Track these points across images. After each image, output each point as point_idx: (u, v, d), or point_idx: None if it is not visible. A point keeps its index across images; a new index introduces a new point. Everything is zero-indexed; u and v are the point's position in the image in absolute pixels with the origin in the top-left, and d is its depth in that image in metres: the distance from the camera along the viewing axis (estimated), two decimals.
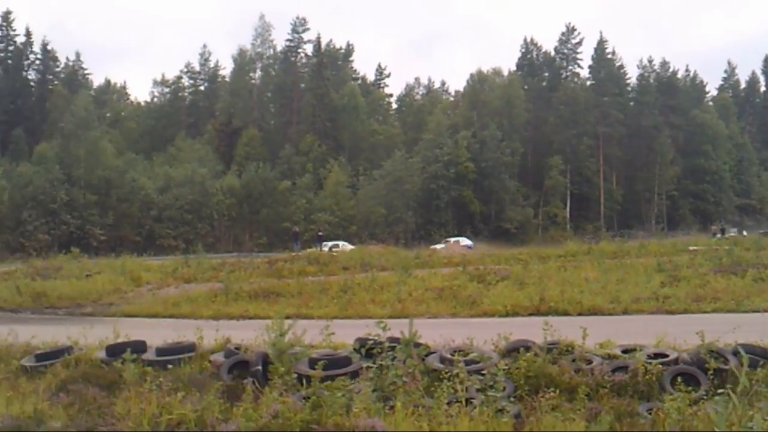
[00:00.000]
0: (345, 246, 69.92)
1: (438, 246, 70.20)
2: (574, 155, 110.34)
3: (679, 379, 11.76)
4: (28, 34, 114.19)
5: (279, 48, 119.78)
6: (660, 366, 12.40)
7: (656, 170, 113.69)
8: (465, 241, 76.34)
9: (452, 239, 78.57)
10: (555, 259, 40.64)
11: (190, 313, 26.17)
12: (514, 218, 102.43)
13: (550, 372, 12.41)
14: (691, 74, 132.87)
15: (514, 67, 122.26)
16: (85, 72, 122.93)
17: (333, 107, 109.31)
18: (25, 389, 12.91)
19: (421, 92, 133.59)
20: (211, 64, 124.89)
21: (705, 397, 10.73)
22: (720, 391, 9.46)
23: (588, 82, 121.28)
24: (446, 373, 11.33)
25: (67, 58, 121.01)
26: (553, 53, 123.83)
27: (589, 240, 63.28)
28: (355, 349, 13.64)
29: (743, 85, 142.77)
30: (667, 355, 13.26)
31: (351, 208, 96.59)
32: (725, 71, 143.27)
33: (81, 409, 11.15)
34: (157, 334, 17.17)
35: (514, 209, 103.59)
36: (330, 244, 71.34)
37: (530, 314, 22.46)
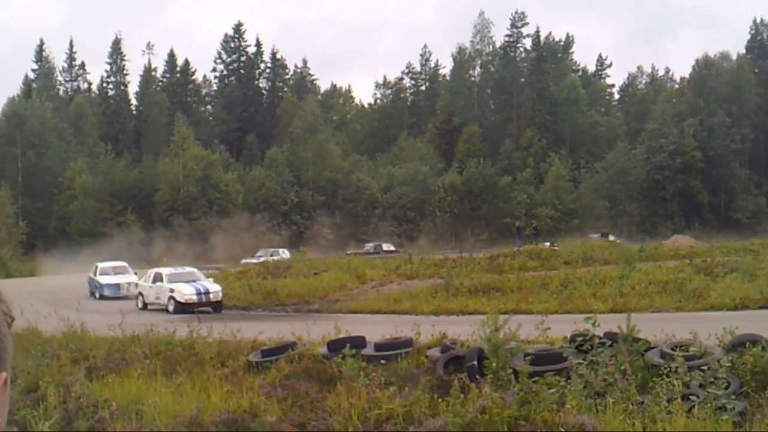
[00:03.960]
0: None
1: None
2: None
3: None
4: (258, 45, 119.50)
5: (498, 44, 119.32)
6: None
7: None
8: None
9: None
10: None
11: (411, 309, 26.59)
12: (745, 208, 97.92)
13: None
14: None
15: (743, 51, 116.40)
16: (312, 78, 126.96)
17: (553, 101, 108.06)
18: (249, 383, 13.50)
19: (644, 81, 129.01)
20: (432, 64, 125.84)
21: None
22: None
23: None
24: (665, 368, 10.94)
25: (295, 66, 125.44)
26: None
27: None
28: (566, 345, 13.36)
29: None
30: None
31: (572, 202, 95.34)
32: None
33: (294, 404, 11.53)
34: (378, 329, 17.56)
35: (745, 198, 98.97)
36: None
37: (760, 307, 21.42)
